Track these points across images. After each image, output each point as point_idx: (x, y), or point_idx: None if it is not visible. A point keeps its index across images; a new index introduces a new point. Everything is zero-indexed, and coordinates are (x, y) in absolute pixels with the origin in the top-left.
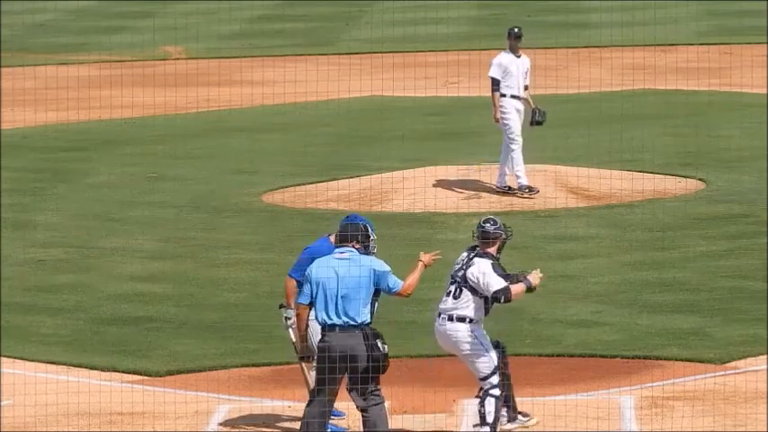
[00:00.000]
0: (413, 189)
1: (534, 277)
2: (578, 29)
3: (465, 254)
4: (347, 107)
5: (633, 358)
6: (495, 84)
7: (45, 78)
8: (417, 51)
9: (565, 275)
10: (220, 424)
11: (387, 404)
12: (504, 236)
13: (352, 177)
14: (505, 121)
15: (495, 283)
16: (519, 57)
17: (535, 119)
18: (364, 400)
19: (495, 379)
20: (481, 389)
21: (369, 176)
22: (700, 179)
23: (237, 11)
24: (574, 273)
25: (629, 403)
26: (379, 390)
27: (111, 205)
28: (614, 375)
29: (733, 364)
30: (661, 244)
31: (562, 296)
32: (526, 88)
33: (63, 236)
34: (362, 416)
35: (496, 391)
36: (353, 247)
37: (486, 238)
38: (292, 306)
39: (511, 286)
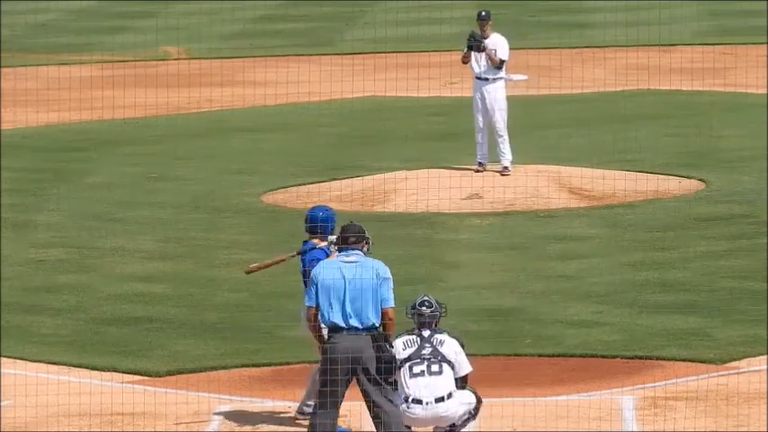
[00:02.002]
0: (413, 189)
1: None
2: (579, 29)
3: (412, 337)
4: (348, 107)
5: (633, 358)
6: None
7: (46, 79)
8: (418, 51)
9: (565, 275)
10: (220, 424)
11: None
12: (439, 315)
13: (352, 177)
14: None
15: (466, 364)
16: (486, 38)
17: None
18: (379, 402)
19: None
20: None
21: (369, 176)
22: (700, 179)
23: (238, 11)
24: (574, 273)
25: (629, 404)
26: (390, 392)
27: (111, 205)
28: (615, 376)
29: (733, 364)
30: (661, 244)
31: (562, 296)
32: (499, 63)
33: (63, 236)
34: (375, 421)
35: (473, 410)
36: (360, 249)
37: (428, 321)
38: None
39: None
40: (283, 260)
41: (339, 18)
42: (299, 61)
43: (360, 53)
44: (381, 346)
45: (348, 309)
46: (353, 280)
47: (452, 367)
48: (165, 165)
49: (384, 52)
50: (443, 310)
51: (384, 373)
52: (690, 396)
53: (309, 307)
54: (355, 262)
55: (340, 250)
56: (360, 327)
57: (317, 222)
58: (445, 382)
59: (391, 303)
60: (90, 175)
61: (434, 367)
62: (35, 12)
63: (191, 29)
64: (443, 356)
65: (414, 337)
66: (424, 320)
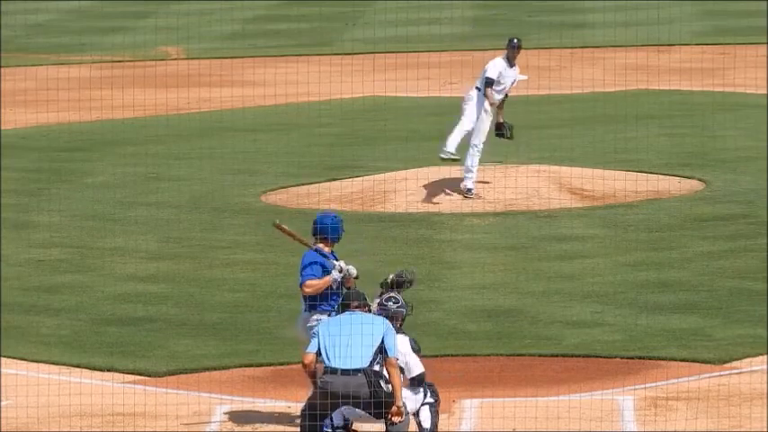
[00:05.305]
0: (413, 189)
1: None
2: (576, 29)
3: None
4: (348, 107)
5: (633, 358)
6: (490, 83)
7: (45, 80)
8: (417, 52)
9: (565, 275)
10: (220, 424)
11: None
12: (405, 313)
13: (352, 177)
14: (480, 122)
15: (416, 365)
16: (513, 67)
17: (502, 132)
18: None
19: (427, 395)
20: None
21: (369, 176)
22: (699, 179)
23: (237, 11)
24: (574, 273)
25: (629, 404)
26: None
27: (111, 205)
28: (614, 376)
29: (733, 364)
30: (661, 244)
31: (562, 296)
32: (506, 97)
33: (63, 236)
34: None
35: (430, 399)
36: (363, 310)
37: (392, 318)
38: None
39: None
40: (303, 243)
41: (338, 18)
42: (298, 61)
43: (359, 53)
44: (376, 384)
45: (345, 349)
46: (353, 325)
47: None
48: (164, 165)
49: (383, 52)
50: (410, 308)
51: (379, 410)
52: (689, 396)
53: (307, 353)
54: (357, 314)
55: (343, 310)
56: (354, 368)
57: (326, 226)
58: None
59: (396, 353)
60: (90, 175)
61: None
62: (34, 12)
63: (189, 29)
64: None
65: None
66: (387, 316)
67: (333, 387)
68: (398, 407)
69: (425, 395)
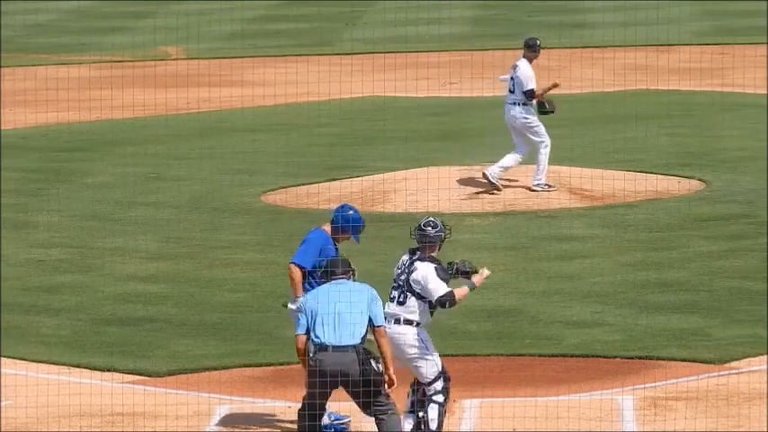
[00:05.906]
0: (412, 189)
1: (479, 279)
2: (576, 29)
3: (406, 257)
4: (347, 107)
5: (633, 358)
6: (533, 93)
7: (45, 80)
8: (417, 52)
9: (565, 275)
10: (220, 424)
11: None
12: (443, 236)
13: (351, 177)
14: (535, 127)
15: (439, 288)
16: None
17: (545, 109)
18: (372, 413)
19: (439, 384)
20: (423, 393)
21: (368, 176)
22: (699, 179)
23: (237, 11)
24: (574, 273)
25: (628, 404)
26: (383, 401)
27: (111, 205)
28: (614, 376)
29: (733, 364)
30: (661, 244)
31: (562, 296)
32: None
33: (63, 236)
34: (376, 422)
35: (440, 398)
36: (347, 278)
37: (430, 242)
38: (299, 296)
39: (455, 291)
40: None
41: (338, 18)
42: (298, 61)
43: (359, 53)
44: (365, 362)
45: (335, 326)
46: (342, 297)
47: (423, 298)
48: (164, 165)
49: (383, 52)
50: (448, 231)
51: (368, 386)
52: (689, 396)
53: (297, 336)
54: (343, 283)
55: (332, 280)
56: (346, 344)
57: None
58: (403, 309)
59: (383, 322)
60: (90, 175)
61: (401, 297)
62: (34, 12)
63: (189, 29)
64: (410, 287)
65: (407, 258)
66: (426, 241)
67: (325, 365)
68: (390, 376)
69: (436, 389)
